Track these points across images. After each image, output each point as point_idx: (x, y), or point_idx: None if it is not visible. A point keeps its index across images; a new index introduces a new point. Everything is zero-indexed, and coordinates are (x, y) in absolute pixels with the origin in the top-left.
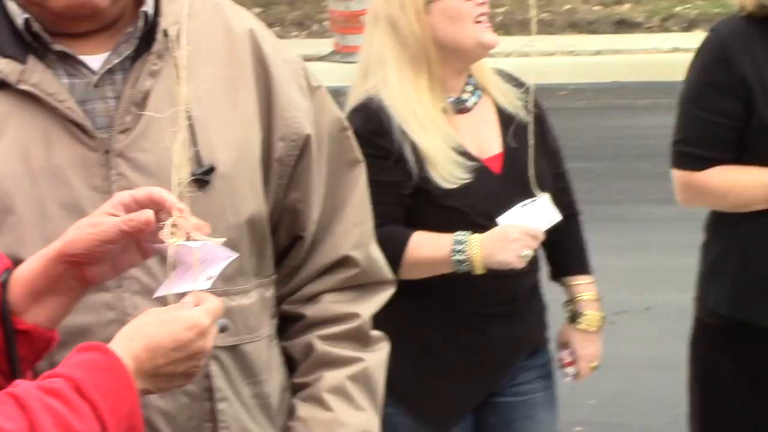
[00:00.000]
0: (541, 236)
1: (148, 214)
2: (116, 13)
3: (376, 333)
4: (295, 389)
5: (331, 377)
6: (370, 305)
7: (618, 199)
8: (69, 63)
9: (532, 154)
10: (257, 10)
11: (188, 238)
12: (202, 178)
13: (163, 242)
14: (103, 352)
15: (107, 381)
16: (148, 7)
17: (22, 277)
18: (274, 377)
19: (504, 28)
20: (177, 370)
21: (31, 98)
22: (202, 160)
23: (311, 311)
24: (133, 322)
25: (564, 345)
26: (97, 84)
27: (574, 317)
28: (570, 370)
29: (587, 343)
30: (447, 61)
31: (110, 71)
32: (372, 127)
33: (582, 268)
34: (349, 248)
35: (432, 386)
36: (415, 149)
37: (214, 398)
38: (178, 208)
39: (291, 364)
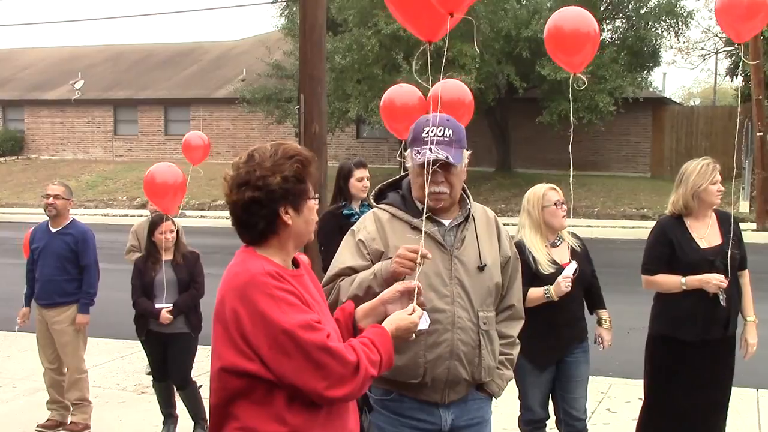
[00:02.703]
0: (571, 276)
1: (414, 285)
2: (451, 206)
3: (517, 341)
4: None
5: (503, 357)
6: (516, 330)
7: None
8: (436, 222)
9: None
10: (502, 205)
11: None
12: (481, 267)
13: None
14: (382, 329)
15: (383, 340)
16: (471, 206)
17: (362, 309)
18: (495, 346)
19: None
20: (402, 336)
21: (428, 235)
22: (482, 260)
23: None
24: (392, 316)
25: (599, 335)
26: (447, 230)
27: (600, 323)
28: (602, 344)
29: (607, 333)
30: (547, 229)
31: (452, 228)
32: (518, 251)
33: (601, 305)
34: (515, 301)
35: (538, 351)
36: (534, 259)
37: (481, 348)
38: (417, 292)
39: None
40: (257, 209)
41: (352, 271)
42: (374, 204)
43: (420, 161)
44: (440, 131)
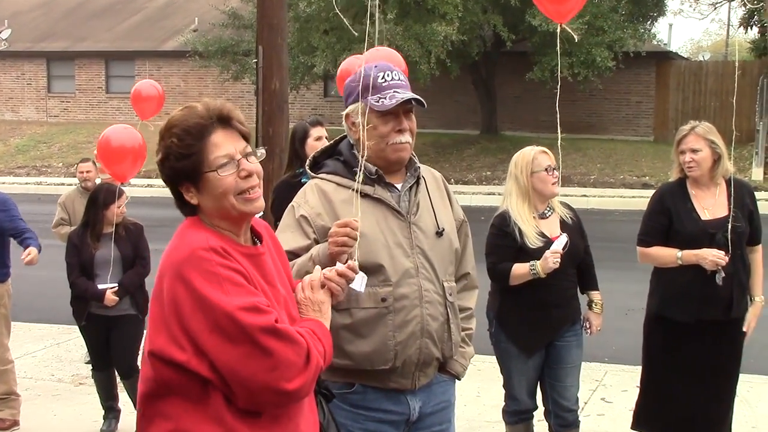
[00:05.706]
0: (560, 251)
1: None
2: (407, 161)
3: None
4: None
5: (464, 333)
6: (473, 301)
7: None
8: (389, 186)
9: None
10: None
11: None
12: (440, 233)
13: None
14: (315, 320)
15: (321, 328)
16: (418, 165)
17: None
18: (458, 320)
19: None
20: (309, 311)
21: (378, 201)
22: (438, 225)
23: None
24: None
25: (587, 318)
26: (401, 195)
27: (590, 306)
28: (589, 330)
29: (596, 318)
30: (537, 197)
31: (405, 192)
32: (503, 223)
33: (594, 286)
34: (469, 269)
35: (525, 334)
36: (520, 231)
37: (449, 322)
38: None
39: None
40: (169, 187)
41: (293, 255)
42: (312, 174)
43: (389, 105)
44: (395, 75)
